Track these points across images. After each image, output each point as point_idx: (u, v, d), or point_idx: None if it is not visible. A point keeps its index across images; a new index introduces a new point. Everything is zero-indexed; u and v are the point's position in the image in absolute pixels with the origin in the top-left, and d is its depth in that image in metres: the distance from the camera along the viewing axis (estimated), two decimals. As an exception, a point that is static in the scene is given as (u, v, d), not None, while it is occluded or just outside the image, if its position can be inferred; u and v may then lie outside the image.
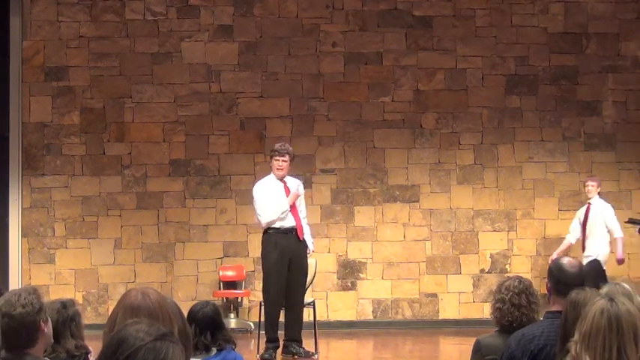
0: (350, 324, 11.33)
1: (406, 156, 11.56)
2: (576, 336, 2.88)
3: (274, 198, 8.77)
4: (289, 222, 8.78)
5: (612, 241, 10.54)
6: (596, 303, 3.02)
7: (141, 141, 11.34)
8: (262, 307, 8.84)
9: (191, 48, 11.46)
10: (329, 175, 11.49)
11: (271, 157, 8.93)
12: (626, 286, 4.72)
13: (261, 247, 8.89)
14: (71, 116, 11.32)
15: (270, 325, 8.68)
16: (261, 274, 8.98)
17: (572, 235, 10.76)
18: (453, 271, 11.50)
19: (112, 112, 11.34)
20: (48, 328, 3.64)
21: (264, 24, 11.55)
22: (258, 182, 9.02)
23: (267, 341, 8.71)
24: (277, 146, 8.97)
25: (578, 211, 10.86)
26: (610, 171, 11.70)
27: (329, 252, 11.37)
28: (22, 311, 3.55)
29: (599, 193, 10.66)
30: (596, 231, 10.49)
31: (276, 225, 8.74)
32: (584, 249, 10.53)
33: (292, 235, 8.75)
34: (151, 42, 11.43)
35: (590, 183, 10.68)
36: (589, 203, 10.65)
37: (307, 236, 8.87)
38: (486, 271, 11.46)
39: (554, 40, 11.76)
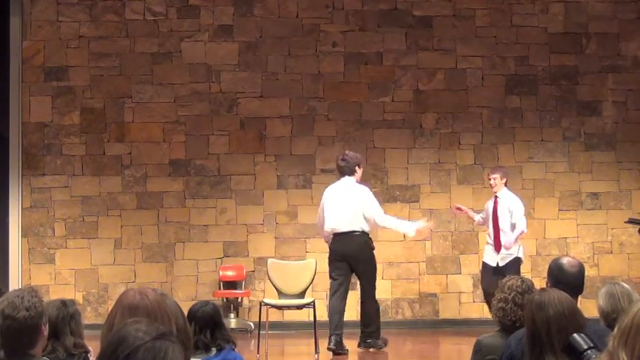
0: (350, 324, 11.30)
1: (406, 156, 11.56)
2: (615, 330, 2.81)
3: None
4: None
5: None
6: None
7: (141, 141, 11.34)
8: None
9: (191, 48, 11.45)
10: (329, 175, 11.47)
11: (359, 166, 9.53)
12: (626, 285, 4.73)
13: (367, 249, 9.18)
14: (71, 116, 11.32)
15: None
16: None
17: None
18: (453, 271, 11.49)
19: (112, 112, 11.34)
20: (46, 330, 3.64)
21: (264, 24, 11.55)
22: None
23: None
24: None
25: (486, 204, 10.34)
26: (610, 171, 11.70)
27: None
28: (25, 314, 3.50)
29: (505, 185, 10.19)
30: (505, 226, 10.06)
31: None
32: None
33: None
34: (151, 42, 11.43)
35: (493, 175, 10.14)
36: (496, 197, 10.16)
37: None
38: (486, 271, 11.46)
39: (554, 40, 11.76)
